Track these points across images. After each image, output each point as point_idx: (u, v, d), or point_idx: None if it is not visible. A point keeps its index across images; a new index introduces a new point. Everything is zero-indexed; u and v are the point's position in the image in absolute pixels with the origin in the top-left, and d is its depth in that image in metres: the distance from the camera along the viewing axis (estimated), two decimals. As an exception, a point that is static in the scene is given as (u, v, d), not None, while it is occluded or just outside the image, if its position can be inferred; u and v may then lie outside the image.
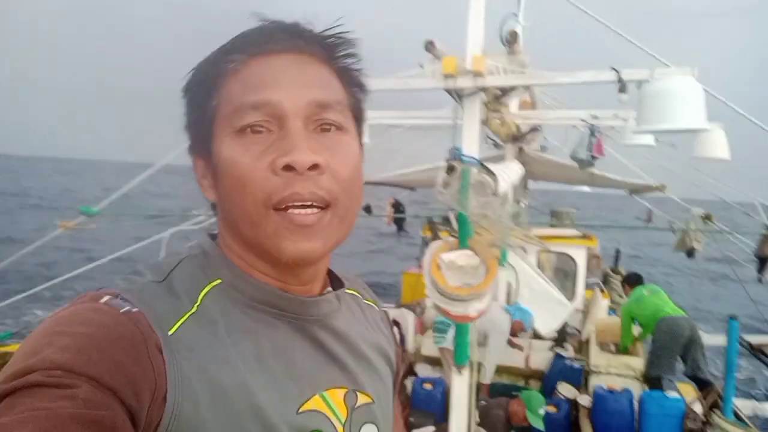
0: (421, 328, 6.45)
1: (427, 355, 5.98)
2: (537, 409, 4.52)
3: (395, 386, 0.92)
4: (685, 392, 5.65)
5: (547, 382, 5.65)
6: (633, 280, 6.50)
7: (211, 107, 0.70)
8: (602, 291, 7.47)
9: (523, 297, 6.63)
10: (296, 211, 0.65)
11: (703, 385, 5.22)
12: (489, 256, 3.10)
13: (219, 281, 0.70)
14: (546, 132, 6.62)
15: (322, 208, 0.67)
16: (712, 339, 7.88)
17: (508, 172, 4.34)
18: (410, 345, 6.25)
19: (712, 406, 4.51)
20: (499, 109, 4.14)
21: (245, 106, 0.67)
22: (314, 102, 0.68)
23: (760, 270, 5.74)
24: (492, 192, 3.31)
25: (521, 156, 6.19)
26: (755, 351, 7.46)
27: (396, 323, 6.26)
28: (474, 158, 3.29)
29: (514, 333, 5.67)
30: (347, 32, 0.73)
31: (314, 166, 0.65)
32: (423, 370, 6.01)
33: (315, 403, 0.71)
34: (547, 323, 6.72)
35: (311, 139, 0.67)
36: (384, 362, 0.87)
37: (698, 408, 4.58)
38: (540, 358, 5.94)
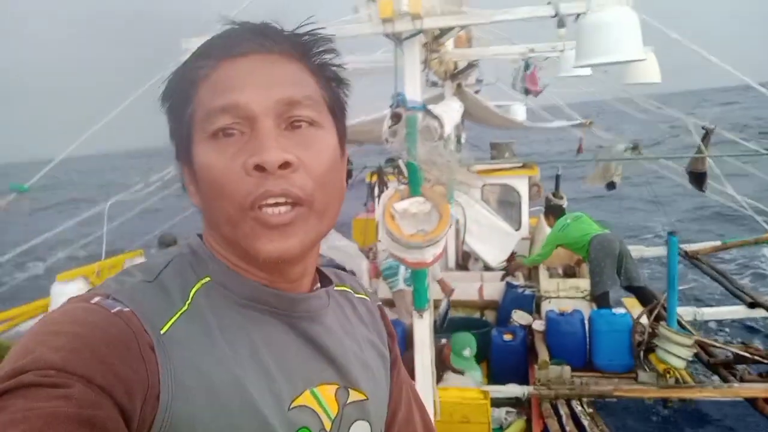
0: (375, 273, 6.52)
1: (384, 297, 6.07)
2: (461, 351, 4.59)
3: (394, 371, 0.92)
4: (631, 306, 5.98)
5: (501, 312, 5.86)
6: (555, 212, 6.74)
7: (187, 114, 0.70)
8: (545, 217, 7.69)
9: (471, 232, 6.78)
10: (270, 210, 0.65)
11: (645, 298, 5.52)
12: (441, 201, 3.13)
13: (208, 279, 0.71)
14: (481, 66, 6.61)
15: (296, 205, 0.67)
16: (652, 251, 8.33)
17: (451, 113, 4.33)
18: (366, 290, 6.33)
19: (657, 318, 4.78)
20: (437, 50, 4.08)
21: (215, 110, 0.67)
22: (283, 100, 0.68)
23: (697, 185, 6.00)
24: (438, 136, 3.30)
25: (459, 93, 6.18)
26: (690, 258, 7.94)
27: (351, 271, 6.30)
28: (418, 104, 3.25)
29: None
30: (320, 28, 0.73)
31: (285, 164, 0.65)
32: (381, 313, 6.12)
33: (305, 398, 0.72)
34: (496, 254, 6.93)
35: (282, 137, 0.67)
36: (377, 357, 0.87)
37: (644, 321, 4.86)
38: (493, 288, 6.13)
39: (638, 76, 4.77)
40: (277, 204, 0.65)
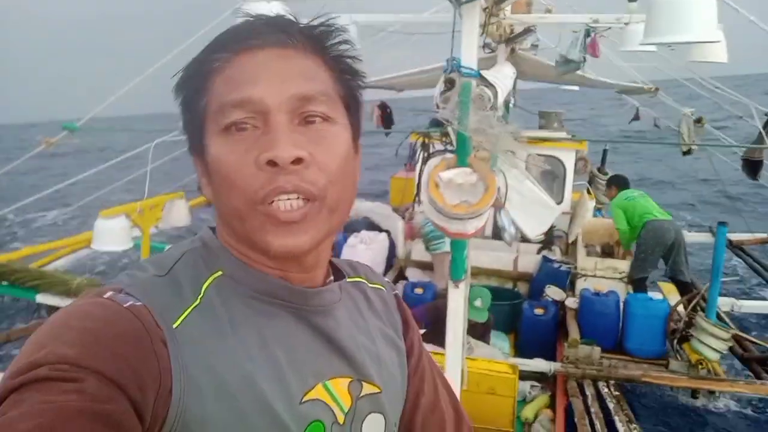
0: (411, 234, 6.51)
1: (417, 260, 6.08)
2: (472, 302, 4.50)
3: (411, 359, 0.90)
4: (667, 291, 5.87)
5: (535, 285, 5.81)
6: (620, 182, 6.53)
7: (201, 107, 0.69)
8: (589, 193, 7.51)
9: (511, 201, 6.67)
10: (281, 205, 0.65)
11: (684, 288, 5.40)
12: (488, 173, 3.06)
13: (220, 273, 0.70)
14: (538, 31, 6.38)
15: (307, 200, 0.66)
16: (696, 237, 8.12)
17: (504, 80, 4.20)
18: (400, 251, 6.33)
19: (695, 308, 4.68)
20: (497, 14, 3.93)
21: (228, 104, 0.66)
22: (297, 96, 0.67)
23: (751, 173, 5.78)
24: (491, 105, 3.21)
25: (512, 57, 6.00)
26: (734, 247, 7.72)
27: (386, 231, 6.30)
28: (474, 70, 3.15)
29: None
30: (335, 19, 0.72)
31: (297, 160, 0.65)
32: (413, 274, 6.13)
33: (317, 392, 0.71)
34: (534, 226, 6.80)
35: (295, 133, 0.66)
36: (390, 349, 0.85)
37: (681, 309, 4.76)
38: (528, 261, 6.06)
39: (704, 54, 4.54)
40: (289, 199, 0.65)
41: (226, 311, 0.67)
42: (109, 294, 0.62)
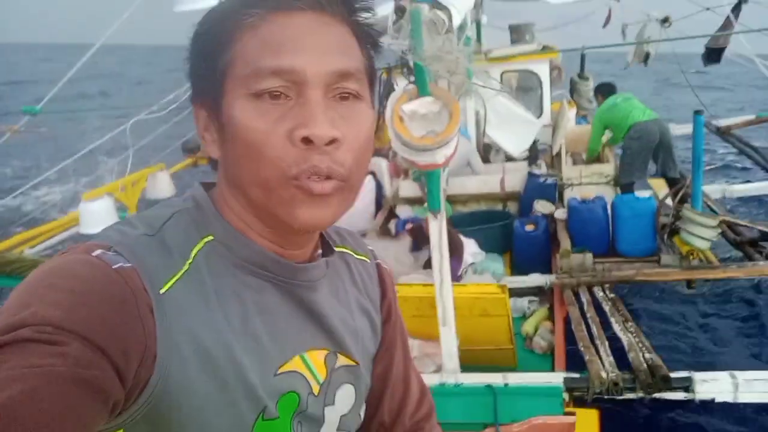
0: (396, 171, 6.49)
1: (406, 196, 6.08)
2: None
3: (387, 326, 0.92)
4: (657, 187, 5.90)
5: (524, 202, 5.82)
6: (605, 90, 6.47)
7: (223, 61, 0.66)
8: (568, 102, 7.43)
9: (490, 122, 6.62)
10: (315, 181, 0.64)
11: (675, 183, 5.43)
12: (451, 100, 3.02)
13: (211, 237, 0.69)
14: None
15: (336, 179, 0.66)
16: (682, 129, 8.10)
17: (461, 0, 4.08)
18: (387, 189, 6.33)
19: (683, 200, 4.70)
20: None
21: (265, 70, 0.63)
22: (337, 72, 0.66)
23: (713, 58, 5.75)
24: (446, 29, 3.14)
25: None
26: (723, 133, 7.71)
27: (371, 172, 6.28)
28: (423, -5, 3.06)
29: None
30: None
31: (332, 141, 0.64)
32: (404, 211, 6.15)
33: (294, 363, 0.73)
34: (517, 144, 6.78)
35: (330, 109, 0.65)
36: (366, 323, 0.87)
37: (669, 202, 4.79)
38: (514, 179, 6.05)
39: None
40: (319, 179, 0.64)
41: (212, 279, 0.67)
42: (98, 252, 0.61)
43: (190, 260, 0.66)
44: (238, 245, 0.70)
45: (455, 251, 4.34)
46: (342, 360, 0.80)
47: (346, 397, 0.81)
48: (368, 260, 0.91)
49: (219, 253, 0.69)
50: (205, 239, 0.69)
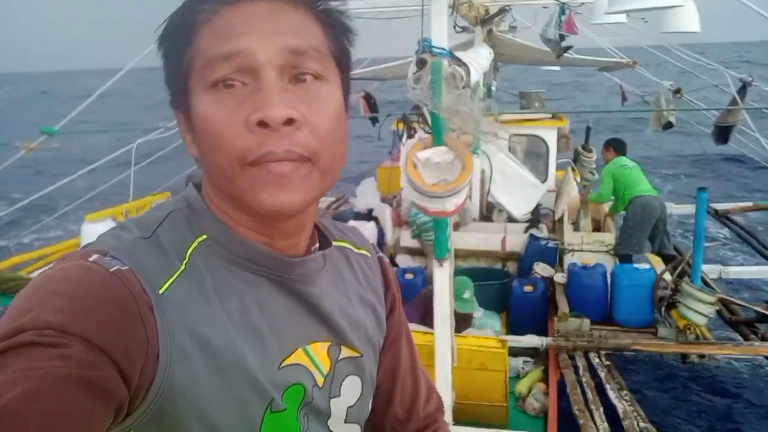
0: (399, 221, 6.54)
1: (407, 246, 6.11)
2: (461, 295, 4.50)
3: (392, 318, 0.92)
4: (655, 263, 5.94)
5: (523, 263, 5.85)
6: (617, 145, 6.51)
7: (185, 60, 0.66)
8: (573, 170, 7.56)
9: (496, 182, 6.72)
10: (272, 166, 0.64)
11: (671, 259, 5.47)
12: (464, 151, 3.08)
13: (205, 236, 0.70)
14: (514, 12, 6.41)
15: (299, 162, 0.65)
16: (683, 209, 8.20)
17: (479, 60, 4.22)
18: (389, 238, 6.36)
19: (681, 275, 4.73)
20: (466, -6, 3.95)
21: (216, 57, 0.64)
22: (287, 49, 0.65)
23: (721, 138, 5.89)
24: (464, 84, 3.23)
25: (490, 39, 6.01)
26: (720, 216, 7.79)
27: (374, 218, 6.34)
28: (444, 49, 3.16)
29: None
30: None
31: (289, 121, 0.63)
32: (403, 260, 6.16)
33: (297, 356, 0.72)
34: (520, 206, 6.86)
35: (286, 91, 0.64)
36: (370, 315, 0.87)
37: (667, 277, 4.82)
38: (516, 240, 6.10)
39: (676, 24, 4.57)
40: (279, 163, 0.64)
41: (210, 277, 0.67)
42: (94, 257, 0.61)
43: (186, 260, 0.66)
44: (230, 242, 0.70)
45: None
46: (345, 352, 0.79)
47: (351, 389, 0.80)
48: (369, 254, 0.91)
49: (214, 252, 0.69)
50: (199, 239, 0.69)
